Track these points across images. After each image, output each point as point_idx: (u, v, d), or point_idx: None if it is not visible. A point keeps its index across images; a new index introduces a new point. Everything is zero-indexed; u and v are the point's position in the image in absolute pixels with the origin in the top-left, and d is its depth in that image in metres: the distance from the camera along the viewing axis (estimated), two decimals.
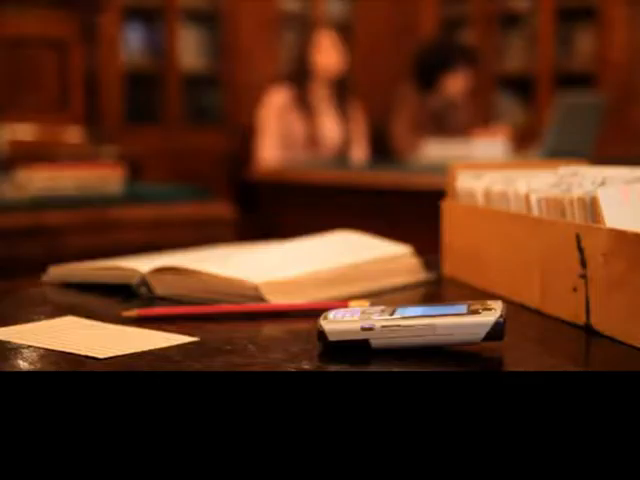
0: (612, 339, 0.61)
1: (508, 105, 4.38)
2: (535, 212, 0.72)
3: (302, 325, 0.69)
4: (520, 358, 0.61)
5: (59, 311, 0.73)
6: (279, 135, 3.07)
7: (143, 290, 0.78)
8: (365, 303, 0.70)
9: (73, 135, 2.83)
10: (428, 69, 3.12)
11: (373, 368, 0.58)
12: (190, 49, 4.10)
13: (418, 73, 3.16)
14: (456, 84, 3.09)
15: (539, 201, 0.72)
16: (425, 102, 3.11)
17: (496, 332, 0.57)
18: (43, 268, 0.87)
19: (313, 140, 3.09)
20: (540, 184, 0.74)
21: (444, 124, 3.16)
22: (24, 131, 2.72)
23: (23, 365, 0.60)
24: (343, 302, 0.71)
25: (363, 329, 0.58)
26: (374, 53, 4.52)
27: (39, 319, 0.71)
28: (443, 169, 0.90)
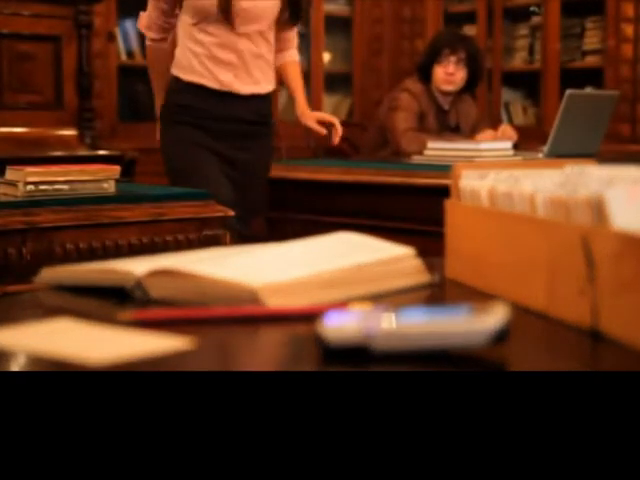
0: (620, 342, 0.60)
1: (514, 102, 4.37)
2: (541, 213, 0.71)
3: (302, 328, 0.68)
4: (525, 360, 0.60)
5: (52, 314, 0.71)
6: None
7: (138, 293, 0.76)
8: (367, 306, 0.68)
9: (67, 133, 2.81)
10: (422, 64, 3.10)
11: (375, 368, 0.57)
12: None
13: (416, 70, 3.15)
14: (442, 72, 3.04)
15: (545, 201, 0.70)
16: (430, 97, 3.09)
17: (499, 335, 0.56)
18: (35, 269, 0.85)
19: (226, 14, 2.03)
20: (546, 184, 0.72)
21: (448, 120, 3.14)
22: (16, 129, 2.70)
23: (15, 369, 0.59)
24: (344, 305, 0.70)
25: (364, 334, 0.57)
26: (375, 50, 4.52)
27: (31, 322, 0.69)
28: (447, 168, 0.89)
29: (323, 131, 2.25)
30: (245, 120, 2.13)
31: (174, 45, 2.17)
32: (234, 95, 2.09)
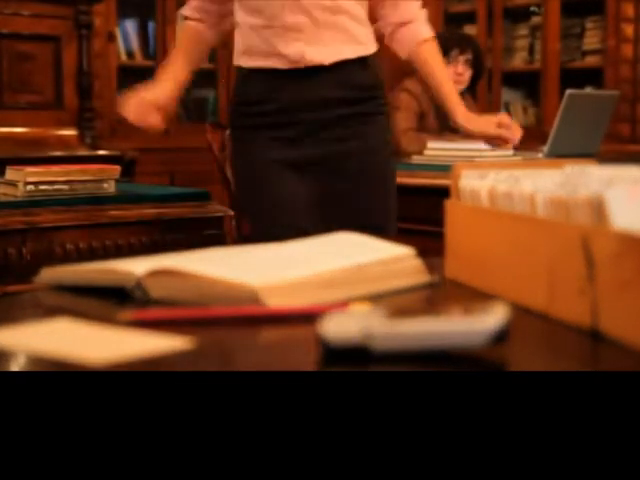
0: (620, 342, 0.60)
1: (514, 102, 4.37)
2: (541, 213, 0.71)
3: (302, 328, 0.68)
4: (525, 360, 0.60)
5: (52, 314, 0.71)
6: None
7: (138, 293, 0.76)
8: (367, 306, 0.68)
9: (67, 133, 2.81)
10: None
11: (374, 369, 0.57)
12: None
13: None
14: (451, 72, 3.06)
15: (545, 201, 0.70)
16: (429, 96, 3.10)
17: (499, 336, 0.56)
18: (35, 269, 0.85)
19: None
20: (546, 184, 0.72)
21: (448, 120, 3.14)
22: (16, 129, 2.70)
23: (15, 369, 0.59)
24: (344, 305, 0.69)
25: (364, 334, 0.57)
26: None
27: (31, 322, 0.69)
28: (447, 168, 0.89)
29: (514, 136, 1.65)
30: (334, 99, 1.51)
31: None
32: (311, 69, 1.49)
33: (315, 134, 1.52)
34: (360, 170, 1.54)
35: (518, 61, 4.29)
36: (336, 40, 1.51)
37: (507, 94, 4.35)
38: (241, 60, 1.57)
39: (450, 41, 3.11)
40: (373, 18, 1.62)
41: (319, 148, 1.52)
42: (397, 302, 0.76)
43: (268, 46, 1.51)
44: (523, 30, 4.27)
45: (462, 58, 3.05)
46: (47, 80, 2.77)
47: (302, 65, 1.50)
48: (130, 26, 3.94)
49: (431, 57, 1.61)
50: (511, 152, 2.67)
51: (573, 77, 3.93)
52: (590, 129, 2.70)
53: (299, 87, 1.51)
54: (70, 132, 2.81)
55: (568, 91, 2.63)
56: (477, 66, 3.10)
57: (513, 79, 4.31)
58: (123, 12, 3.85)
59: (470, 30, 4.23)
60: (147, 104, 1.59)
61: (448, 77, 1.67)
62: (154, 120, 1.58)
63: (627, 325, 0.60)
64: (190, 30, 1.65)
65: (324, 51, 1.50)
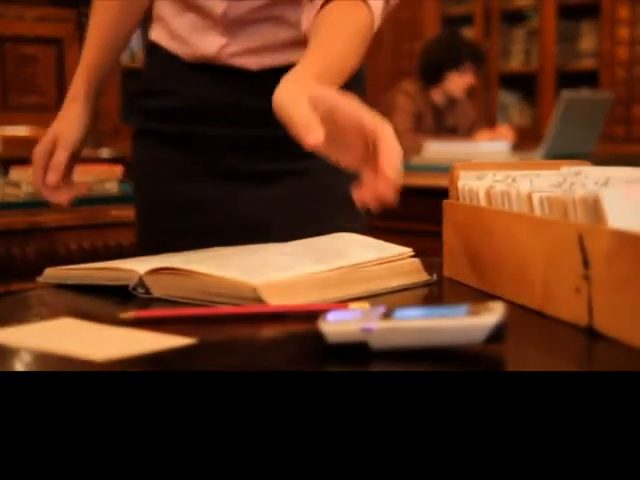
0: (615, 340, 0.61)
1: (511, 103, 4.39)
2: (537, 212, 0.72)
3: (301, 327, 0.68)
4: (522, 359, 0.60)
5: (55, 313, 0.72)
6: None
7: (140, 291, 0.77)
8: (365, 304, 0.69)
9: None
10: (435, 64, 3.12)
11: (374, 368, 0.57)
12: None
13: (423, 68, 3.16)
14: (462, 82, 3.10)
15: (541, 201, 0.71)
16: (427, 98, 3.11)
17: (497, 334, 0.57)
18: (39, 269, 0.86)
19: None
20: (543, 184, 0.73)
21: (445, 121, 3.16)
22: (19, 130, 2.71)
23: (19, 367, 0.59)
24: (343, 304, 0.70)
25: (363, 331, 0.58)
26: (374, 51, 4.52)
27: (35, 321, 0.70)
28: (445, 169, 0.89)
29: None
30: (255, 118, 0.99)
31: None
32: (231, 71, 1.01)
33: (236, 155, 1.03)
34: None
35: (515, 63, 4.31)
36: (270, 40, 1.00)
37: (504, 96, 4.37)
38: (151, 29, 1.10)
39: (465, 53, 3.14)
40: None
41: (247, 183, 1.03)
42: (396, 300, 0.77)
43: (175, 20, 1.04)
44: (520, 33, 4.29)
45: (472, 68, 3.11)
46: (50, 82, 2.77)
47: (217, 63, 1.00)
48: None
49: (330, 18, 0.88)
50: (509, 152, 2.68)
51: (569, 79, 3.95)
52: (585, 130, 2.71)
53: (211, 84, 1.01)
54: None
55: (564, 93, 2.64)
56: (476, 74, 3.20)
57: (510, 81, 4.32)
58: None
59: (467, 32, 4.24)
60: (54, 167, 1.08)
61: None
62: (58, 195, 1.11)
63: (622, 323, 0.60)
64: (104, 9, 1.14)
65: (251, 53, 1.00)
